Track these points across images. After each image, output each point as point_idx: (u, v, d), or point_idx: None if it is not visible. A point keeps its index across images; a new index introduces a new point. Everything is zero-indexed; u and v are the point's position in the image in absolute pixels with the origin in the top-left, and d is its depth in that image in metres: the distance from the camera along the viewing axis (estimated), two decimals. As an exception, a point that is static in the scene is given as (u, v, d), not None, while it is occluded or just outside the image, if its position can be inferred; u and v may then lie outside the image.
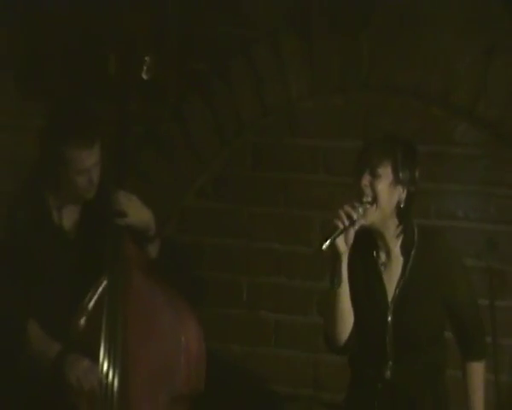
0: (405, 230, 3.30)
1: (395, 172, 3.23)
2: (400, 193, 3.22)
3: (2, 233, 3.70)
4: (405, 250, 3.32)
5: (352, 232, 3.18)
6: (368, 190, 3.19)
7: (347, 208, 3.15)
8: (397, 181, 3.22)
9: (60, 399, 3.54)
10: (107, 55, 3.55)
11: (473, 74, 4.11)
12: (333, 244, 3.15)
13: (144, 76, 3.46)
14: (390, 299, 3.29)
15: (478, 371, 3.38)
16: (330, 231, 3.14)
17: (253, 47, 4.28)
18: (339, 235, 3.16)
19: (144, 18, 4.20)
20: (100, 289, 3.56)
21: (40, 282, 3.62)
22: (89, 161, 3.53)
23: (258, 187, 4.32)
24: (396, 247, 3.31)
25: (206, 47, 4.36)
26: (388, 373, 3.30)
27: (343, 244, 3.15)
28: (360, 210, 3.18)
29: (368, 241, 3.32)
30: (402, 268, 3.32)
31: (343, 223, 3.13)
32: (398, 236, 3.29)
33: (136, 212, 3.57)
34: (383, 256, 3.31)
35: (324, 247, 3.12)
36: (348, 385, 3.46)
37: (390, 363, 3.30)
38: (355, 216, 3.16)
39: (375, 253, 3.30)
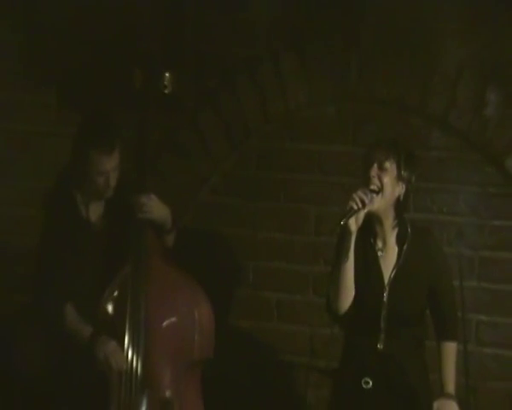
0: (400, 223, 3.50)
1: (399, 169, 3.42)
2: (400, 189, 3.43)
3: (41, 228, 3.88)
4: (400, 241, 3.51)
5: (362, 215, 3.36)
6: (375, 180, 3.39)
7: (361, 193, 3.34)
8: (399, 177, 3.41)
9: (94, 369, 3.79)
10: (133, 71, 3.79)
11: (445, 88, 4.23)
12: (346, 223, 3.34)
13: (165, 91, 3.76)
14: (386, 281, 3.48)
15: (451, 349, 3.58)
16: (346, 212, 3.32)
17: (257, 65, 4.43)
18: (353, 215, 3.33)
19: (165, 41, 4.37)
20: (124, 274, 3.80)
21: (73, 269, 3.83)
22: (108, 165, 3.74)
23: (261, 185, 4.52)
24: (392, 237, 3.50)
25: (216, 66, 4.47)
26: (381, 345, 3.52)
27: (354, 224, 3.33)
28: (369, 196, 3.37)
29: (367, 229, 3.48)
30: (397, 256, 3.50)
31: (357, 205, 3.31)
32: (394, 227, 3.49)
33: (156, 209, 3.80)
34: (380, 243, 3.50)
35: (342, 223, 3.30)
36: (342, 356, 3.63)
37: (382, 336, 3.50)
38: (367, 200, 3.33)
39: (372, 240, 3.48)
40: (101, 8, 4.40)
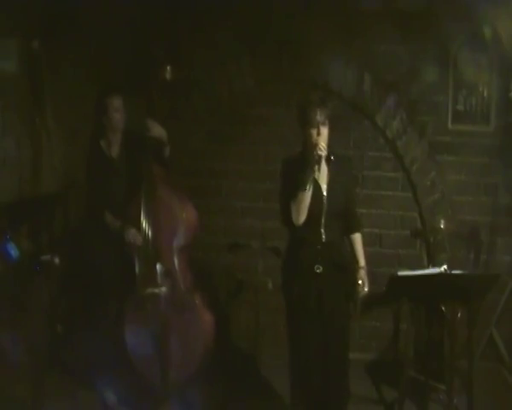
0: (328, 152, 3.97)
1: (329, 120, 4.04)
2: (328, 128, 4.00)
3: (85, 166, 4.74)
4: (328, 164, 4.03)
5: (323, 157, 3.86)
6: (321, 135, 3.97)
7: (322, 144, 3.95)
8: (329, 121, 4.02)
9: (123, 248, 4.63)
10: (165, 66, 4.47)
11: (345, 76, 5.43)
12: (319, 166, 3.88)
13: (167, 77, 4.64)
14: (324, 191, 4.02)
15: (359, 238, 4.20)
16: (317, 159, 3.89)
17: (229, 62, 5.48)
18: (321, 159, 3.87)
19: (167, 46, 5.01)
20: (140, 192, 4.57)
21: (106, 191, 4.69)
22: (117, 103, 4.68)
23: (228, 135, 5.65)
24: (323, 164, 4.05)
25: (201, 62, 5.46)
26: (323, 237, 4.00)
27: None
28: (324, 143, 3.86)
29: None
30: (327, 173, 4.04)
31: (323, 151, 3.92)
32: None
33: (156, 128, 4.61)
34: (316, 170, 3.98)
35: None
36: (292, 250, 4.04)
37: (323, 230, 4.00)
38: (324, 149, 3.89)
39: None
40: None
